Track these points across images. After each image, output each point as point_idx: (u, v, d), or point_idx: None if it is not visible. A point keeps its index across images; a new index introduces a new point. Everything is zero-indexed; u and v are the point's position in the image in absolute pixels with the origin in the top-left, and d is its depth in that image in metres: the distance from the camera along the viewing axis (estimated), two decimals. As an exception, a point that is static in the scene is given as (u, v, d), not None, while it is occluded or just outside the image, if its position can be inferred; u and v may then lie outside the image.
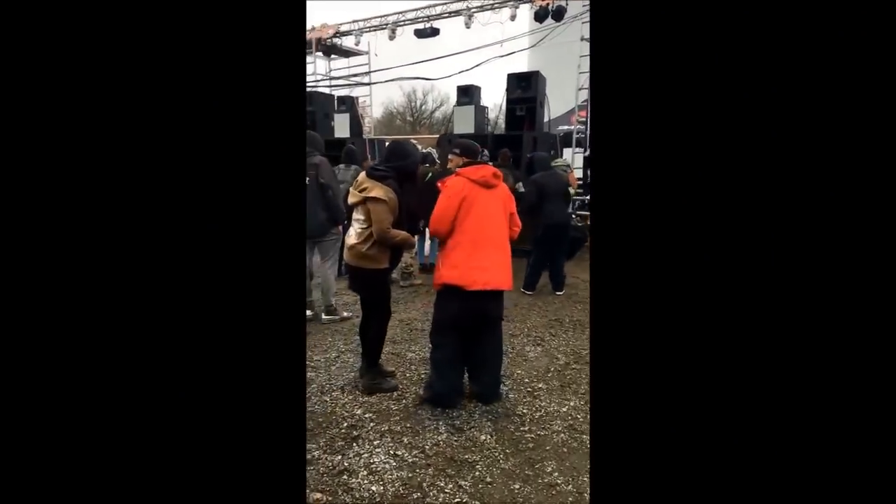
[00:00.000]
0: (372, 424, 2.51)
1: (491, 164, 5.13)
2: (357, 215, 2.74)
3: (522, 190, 4.85)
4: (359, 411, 2.64)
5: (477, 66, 7.50)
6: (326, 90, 9.83)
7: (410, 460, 2.22)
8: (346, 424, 2.51)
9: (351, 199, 2.76)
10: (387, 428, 2.48)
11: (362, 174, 2.82)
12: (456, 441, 2.36)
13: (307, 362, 3.30)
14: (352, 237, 2.74)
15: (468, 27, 8.36)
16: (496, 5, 8.01)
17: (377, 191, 2.65)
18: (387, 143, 3.06)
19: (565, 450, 2.30)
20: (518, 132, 6.51)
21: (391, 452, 2.27)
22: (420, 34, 8.73)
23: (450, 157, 2.89)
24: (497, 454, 2.26)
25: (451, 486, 2.05)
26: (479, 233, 2.60)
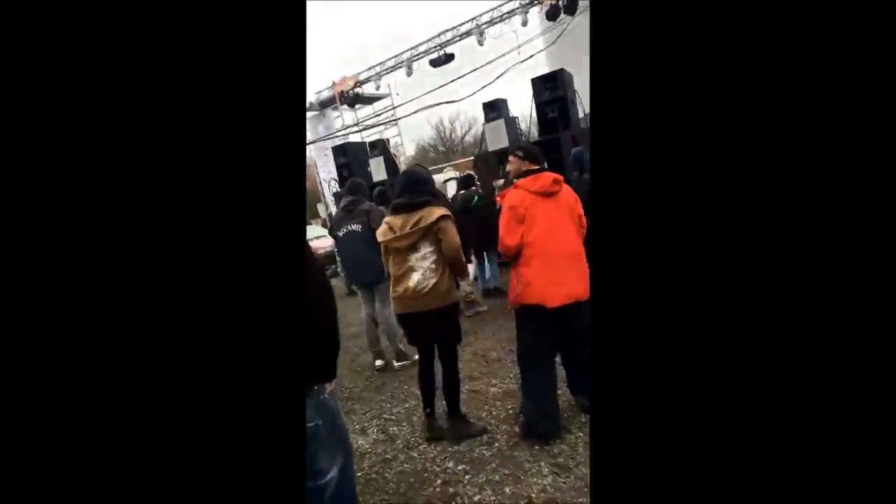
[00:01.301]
0: (468, 477, 2.28)
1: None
2: (416, 255, 2.56)
3: None
4: (451, 464, 2.43)
5: (497, 78, 7.34)
6: (357, 139, 10.04)
7: None
8: (439, 482, 2.30)
9: (403, 242, 2.58)
10: (484, 479, 2.25)
11: (388, 217, 2.66)
12: (564, 482, 2.09)
13: (388, 416, 3.14)
14: (419, 282, 2.55)
15: (481, 44, 8.29)
16: (505, 16, 7.91)
17: (437, 210, 2.49)
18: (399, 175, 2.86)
19: (695, 475, 1.97)
20: (554, 135, 6.26)
21: (495, 508, 2.03)
22: (435, 63, 8.76)
23: (510, 159, 2.65)
24: (616, 492, 1.97)
25: (571, 539, 1.79)
26: (548, 245, 2.38)
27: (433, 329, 2.62)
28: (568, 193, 2.51)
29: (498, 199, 2.57)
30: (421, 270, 2.54)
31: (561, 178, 2.52)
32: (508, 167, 2.68)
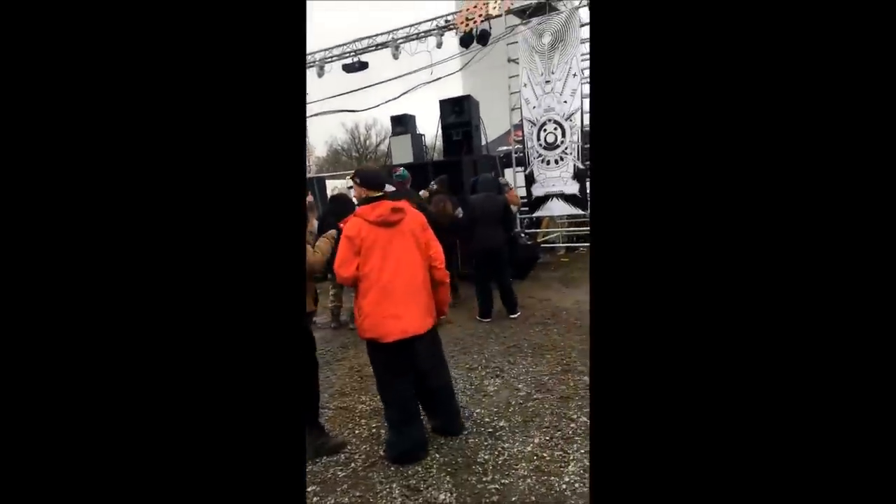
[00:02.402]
0: (316, 500, 2.20)
1: (428, 190, 4.98)
2: None
3: (461, 215, 4.72)
4: (301, 485, 2.33)
5: (404, 93, 7.41)
6: (260, 133, 9.52)
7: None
8: None
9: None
10: (333, 501, 2.18)
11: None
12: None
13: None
14: None
15: (396, 58, 8.32)
16: (422, 34, 8.03)
17: None
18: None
19: (533, 498, 2.06)
20: (457, 157, 6.43)
21: (338, 532, 1.97)
22: (348, 69, 8.63)
23: (352, 183, 2.61)
24: (458, 515, 2.00)
25: (407, 564, 1.78)
26: (385, 277, 2.35)
27: None
28: (413, 220, 2.46)
29: (341, 224, 2.50)
30: None
31: (403, 205, 2.48)
32: (353, 196, 2.64)
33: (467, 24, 7.21)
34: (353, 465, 2.46)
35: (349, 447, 2.62)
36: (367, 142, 28.59)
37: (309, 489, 2.28)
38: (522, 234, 6.29)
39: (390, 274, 2.35)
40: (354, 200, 2.65)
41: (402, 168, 5.04)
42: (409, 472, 2.33)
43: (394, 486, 2.24)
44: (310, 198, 4.33)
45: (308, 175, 9.29)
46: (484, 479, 2.23)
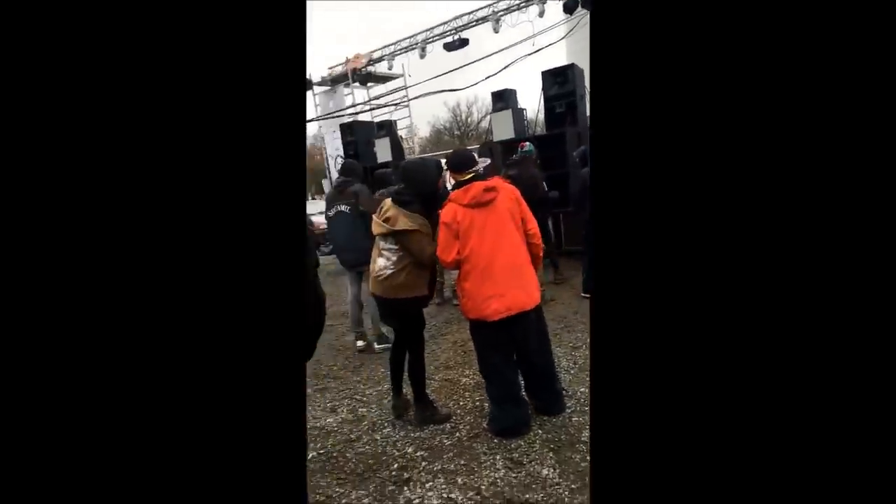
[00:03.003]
0: (424, 464, 2.33)
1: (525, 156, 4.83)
2: (386, 244, 2.60)
3: (550, 192, 4.58)
4: (410, 449, 2.48)
5: (504, 68, 7.25)
6: (367, 118, 9.99)
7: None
8: (396, 466, 2.35)
9: (376, 230, 2.62)
10: (440, 467, 2.30)
11: (388, 200, 2.69)
12: (515, 478, 2.13)
13: (360, 397, 3.19)
14: (381, 268, 2.59)
15: (497, 31, 8.17)
16: (522, 5, 7.78)
17: (403, 222, 2.51)
18: (401, 165, 2.92)
19: (641, 481, 2.00)
20: (560, 130, 6.20)
21: (444, 496, 2.08)
22: (449, 47, 8.65)
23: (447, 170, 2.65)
24: (561, 491, 2.01)
25: (511, 532, 1.83)
26: (485, 257, 2.36)
27: (393, 316, 2.68)
28: (507, 197, 2.43)
29: (440, 212, 2.53)
30: (384, 258, 2.58)
31: (495, 183, 2.46)
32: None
33: (571, -12, 6.83)
34: (457, 434, 2.56)
35: (454, 418, 2.72)
36: (469, 119, 28.63)
37: (417, 454, 2.42)
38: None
39: (489, 254, 2.37)
40: (448, 186, 2.69)
41: (528, 143, 4.96)
42: (513, 446, 2.38)
43: (497, 457, 2.30)
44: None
45: (412, 156, 9.54)
46: (588, 458, 2.20)
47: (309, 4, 0.70)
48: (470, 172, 2.46)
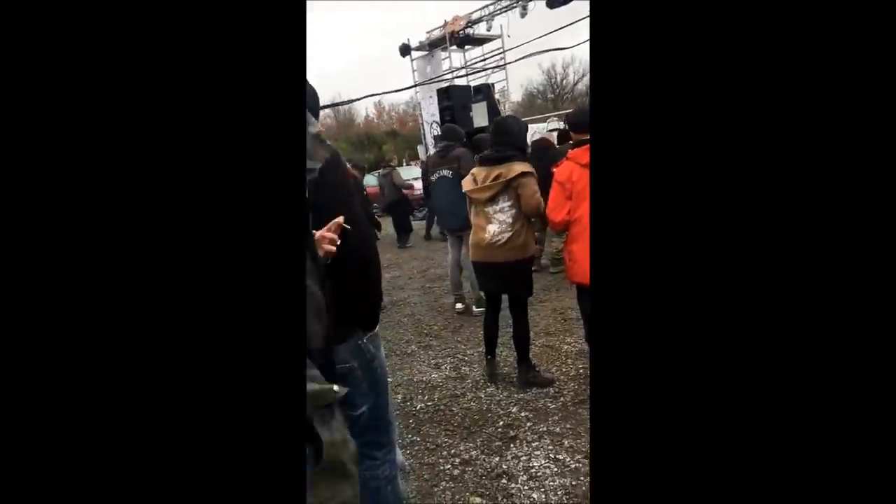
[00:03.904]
0: (529, 424, 2.39)
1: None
2: (496, 207, 2.61)
3: None
4: (514, 409, 2.54)
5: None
6: (464, 82, 9.91)
7: (573, 466, 2.04)
8: (502, 423, 2.42)
9: (482, 195, 2.62)
10: (545, 429, 2.33)
11: (476, 168, 2.69)
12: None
13: (461, 357, 3.30)
14: (496, 233, 2.61)
15: (605, -16, 7.62)
16: (636, -48, 7.15)
17: (518, 167, 2.50)
18: (493, 121, 2.93)
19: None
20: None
21: (551, 456, 2.12)
22: (552, 4, 8.22)
23: (554, 130, 2.57)
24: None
25: (621, 498, 1.83)
26: None
27: (504, 280, 2.70)
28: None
29: (554, 168, 2.46)
30: (497, 223, 2.59)
31: None
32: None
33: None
34: (562, 399, 2.57)
35: (557, 383, 2.73)
36: (564, 81, 27.39)
37: (522, 414, 2.48)
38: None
39: None
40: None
41: None
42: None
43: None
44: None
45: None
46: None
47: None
48: (588, 135, 2.38)
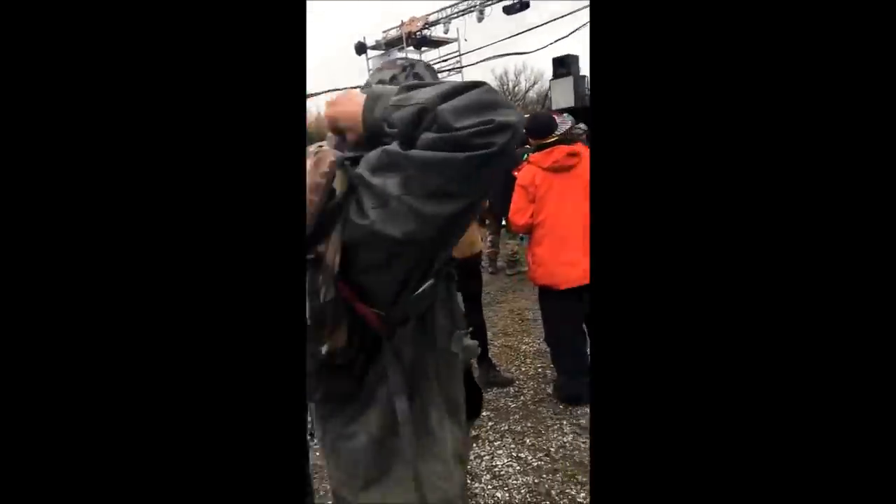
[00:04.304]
0: (491, 423, 2.39)
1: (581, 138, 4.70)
2: None
3: None
4: (476, 409, 2.54)
5: (574, 31, 6.97)
6: (419, 83, 9.88)
7: (535, 464, 2.06)
8: (463, 423, 2.41)
9: None
10: (507, 427, 2.34)
11: None
12: (584, 443, 2.15)
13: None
14: None
15: (560, -5, 7.84)
16: (589, -35, 7.41)
17: None
18: None
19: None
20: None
21: (514, 455, 2.13)
22: (509, 10, 8.37)
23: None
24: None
25: (582, 494, 1.86)
26: (561, 224, 2.33)
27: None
28: (588, 166, 2.40)
29: (515, 173, 2.49)
30: None
31: (578, 149, 2.39)
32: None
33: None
34: (522, 398, 2.60)
35: (517, 383, 2.75)
36: (516, 88, 27.93)
37: (483, 414, 2.48)
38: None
39: (566, 220, 2.33)
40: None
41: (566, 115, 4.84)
42: (578, 413, 2.39)
43: (563, 422, 2.33)
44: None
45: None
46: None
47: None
48: (551, 137, 2.41)
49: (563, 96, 6.52)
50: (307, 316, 0.67)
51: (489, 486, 1.94)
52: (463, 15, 9.26)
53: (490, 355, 2.93)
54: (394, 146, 0.67)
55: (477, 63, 9.15)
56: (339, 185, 0.69)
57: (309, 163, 0.68)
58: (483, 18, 8.84)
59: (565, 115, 2.69)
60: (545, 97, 7.77)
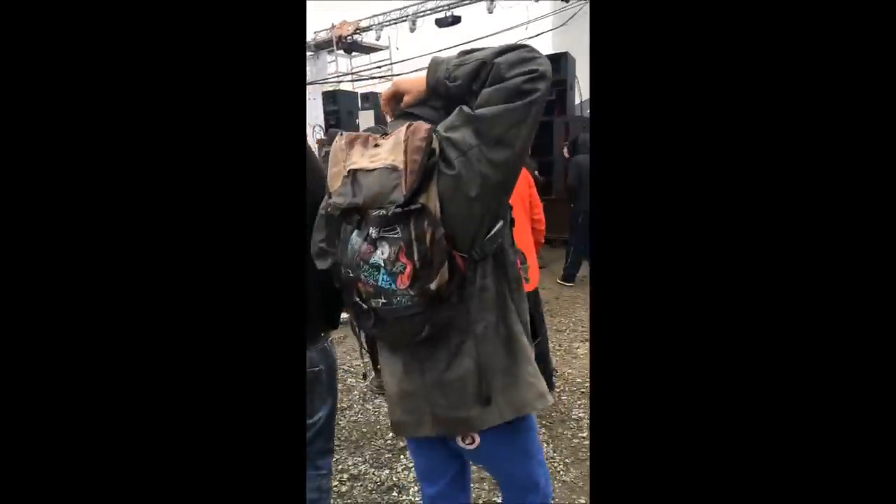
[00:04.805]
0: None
1: None
2: None
3: (539, 177, 4.66)
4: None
5: (503, 51, 7.21)
6: (349, 88, 9.75)
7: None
8: (390, 435, 2.38)
9: None
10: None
11: None
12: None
13: (347, 367, 3.19)
14: None
15: (490, 12, 8.09)
16: (519, -12, 7.73)
17: None
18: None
19: (630, 458, 2.11)
20: (548, 117, 6.25)
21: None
22: (441, 23, 8.50)
23: None
24: (556, 465, 2.09)
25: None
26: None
27: None
28: (521, 179, 2.48)
29: None
30: None
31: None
32: None
33: (569, -24, 6.83)
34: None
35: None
36: (446, 100, 28.29)
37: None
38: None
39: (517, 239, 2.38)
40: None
41: None
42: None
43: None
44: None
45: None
46: (579, 434, 2.29)
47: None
48: None
49: (492, 111, 6.70)
50: (415, 259, 0.80)
51: (417, 499, 1.93)
52: (395, 23, 9.27)
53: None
54: (465, 108, 0.83)
55: (409, 73, 9.19)
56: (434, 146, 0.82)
57: (404, 133, 0.82)
58: (415, 29, 8.91)
59: None
60: (475, 110, 7.93)
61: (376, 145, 0.87)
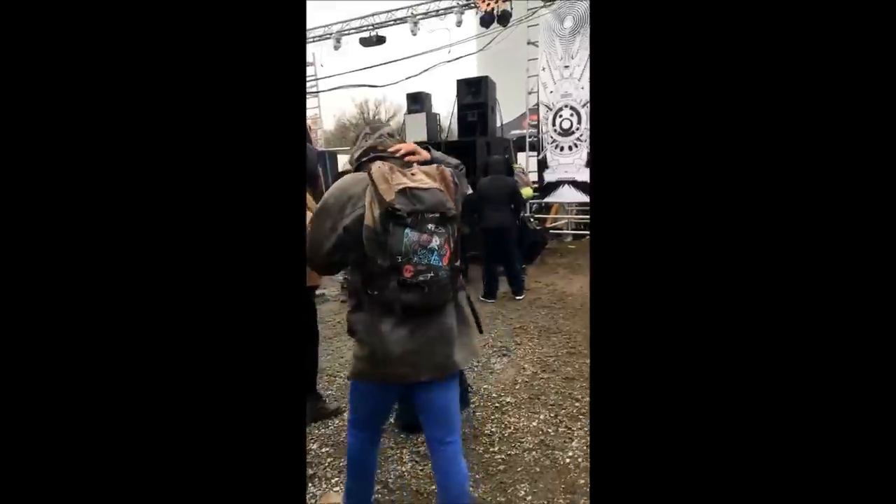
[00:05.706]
0: (330, 460, 2.30)
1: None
2: None
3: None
4: (314, 445, 2.43)
5: (425, 70, 7.38)
6: (272, 103, 9.50)
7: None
8: (300, 463, 2.29)
9: None
10: (345, 462, 2.27)
11: None
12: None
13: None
14: None
15: (414, 34, 8.24)
16: (441, 11, 7.94)
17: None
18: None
19: (538, 469, 2.16)
20: (471, 138, 6.42)
21: (351, 491, 2.06)
22: (366, 43, 8.55)
23: None
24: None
25: (418, 523, 1.87)
26: None
27: None
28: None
29: None
30: None
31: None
32: None
33: (489, 4, 7.13)
34: (364, 430, 2.55)
35: (342, 412, 2.70)
36: (376, 117, 28.35)
37: (322, 450, 2.38)
38: (531, 219, 6.33)
39: None
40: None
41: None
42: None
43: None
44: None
45: (318, 149, 9.29)
46: (491, 449, 2.32)
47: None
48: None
49: (417, 130, 6.79)
50: (451, 246, 1.30)
51: (323, 528, 1.86)
52: (320, 41, 9.19)
53: (334, 388, 2.84)
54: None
55: (333, 89, 9.12)
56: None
57: (436, 171, 1.35)
58: (340, 47, 8.87)
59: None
60: (400, 130, 7.99)
61: (413, 174, 1.29)
